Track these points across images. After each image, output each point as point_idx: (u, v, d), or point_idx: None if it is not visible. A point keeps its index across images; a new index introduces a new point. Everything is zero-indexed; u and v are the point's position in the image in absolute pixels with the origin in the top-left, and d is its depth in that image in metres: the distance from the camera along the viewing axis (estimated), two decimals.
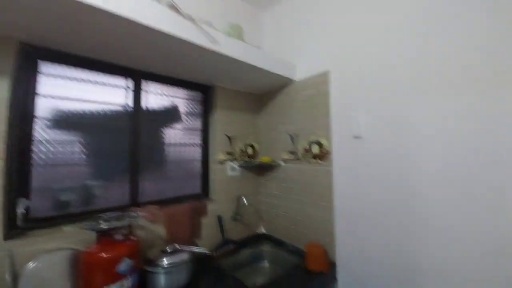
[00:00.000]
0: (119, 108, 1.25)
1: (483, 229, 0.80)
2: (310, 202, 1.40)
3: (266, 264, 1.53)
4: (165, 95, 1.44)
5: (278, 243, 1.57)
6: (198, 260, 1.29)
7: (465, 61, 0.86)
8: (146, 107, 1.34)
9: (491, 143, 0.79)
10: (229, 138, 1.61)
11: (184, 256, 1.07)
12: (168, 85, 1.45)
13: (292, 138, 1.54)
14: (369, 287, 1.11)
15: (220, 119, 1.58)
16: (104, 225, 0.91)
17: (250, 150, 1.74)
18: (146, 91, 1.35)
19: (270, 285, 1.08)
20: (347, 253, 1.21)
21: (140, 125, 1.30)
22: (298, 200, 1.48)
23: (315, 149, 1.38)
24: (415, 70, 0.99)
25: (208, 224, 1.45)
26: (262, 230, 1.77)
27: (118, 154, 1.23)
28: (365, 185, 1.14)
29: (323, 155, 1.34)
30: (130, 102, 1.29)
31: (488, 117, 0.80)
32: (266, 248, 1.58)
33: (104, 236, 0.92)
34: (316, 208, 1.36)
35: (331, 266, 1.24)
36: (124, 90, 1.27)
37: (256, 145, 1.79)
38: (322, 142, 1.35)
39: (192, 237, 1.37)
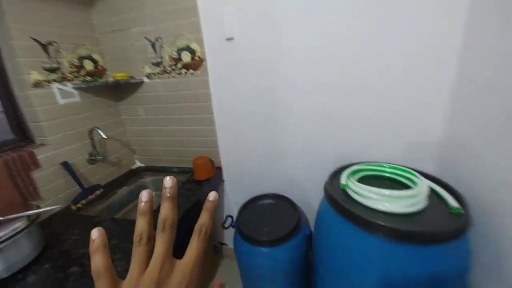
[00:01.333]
0: None
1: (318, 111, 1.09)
2: (189, 118, 1.30)
3: None
4: None
5: (161, 170, 1.43)
6: (51, 221, 0.95)
7: None
8: None
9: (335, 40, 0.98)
10: (42, 45, 0.99)
11: (16, 226, 0.70)
12: None
13: (153, 45, 1.20)
14: (248, 175, 1.33)
15: (9, 10, 0.88)
16: None
17: (89, 65, 1.21)
18: None
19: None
20: (229, 155, 1.33)
21: None
22: (176, 119, 1.32)
23: (186, 57, 1.17)
24: None
25: (48, 177, 1.01)
26: (137, 164, 1.53)
27: None
28: (240, 91, 1.16)
29: (196, 63, 1.17)
30: None
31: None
32: (147, 179, 1.41)
33: None
34: (197, 122, 1.29)
35: (218, 170, 1.33)
36: None
37: (98, 57, 1.26)
38: (193, 48, 1.15)
39: (24, 200, 0.92)
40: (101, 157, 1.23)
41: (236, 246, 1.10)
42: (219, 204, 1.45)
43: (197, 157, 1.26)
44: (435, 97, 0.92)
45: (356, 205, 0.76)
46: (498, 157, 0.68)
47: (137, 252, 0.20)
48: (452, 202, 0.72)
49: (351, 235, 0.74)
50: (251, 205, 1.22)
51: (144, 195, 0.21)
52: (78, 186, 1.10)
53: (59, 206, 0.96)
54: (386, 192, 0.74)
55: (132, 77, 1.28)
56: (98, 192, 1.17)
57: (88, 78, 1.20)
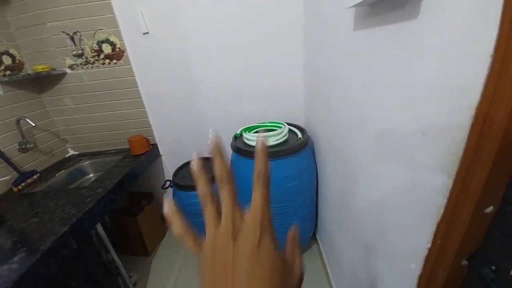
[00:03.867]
0: None
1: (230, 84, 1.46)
2: (119, 104, 1.49)
3: (91, 176, 1.55)
4: None
5: (97, 154, 1.58)
6: None
7: None
8: None
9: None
10: None
11: None
12: None
13: (72, 39, 1.33)
14: (180, 147, 1.62)
15: None
16: None
17: (7, 60, 1.26)
18: None
19: (103, 177, 1.21)
20: (162, 132, 1.59)
21: None
22: (105, 105, 1.49)
23: (107, 48, 1.35)
24: None
25: None
26: (71, 152, 1.62)
27: None
28: (162, 76, 1.43)
29: (118, 54, 1.37)
30: None
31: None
32: (85, 163, 1.54)
33: None
34: (127, 106, 1.49)
35: (154, 146, 1.58)
36: None
37: (15, 52, 1.31)
38: (113, 40, 1.34)
39: None
40: (31, 145, 1.32)
41: (175, 198, 1.41)
42: (158, 174, 1.71)
43: (132, 136, 1.48)
44: (296, 79, 1.40)
45: (250, 147, 1.18)
46: (318, 113, 1.19)
47: (207, 212, 0.22)
48: (299, 134, 1.22)
49: (247, 165, 1.16)
50: (184, 168, 1.53)
51: (194, 164, 0.22)
52: (14, 172, 1.20)
53: (9, 176, 1.09)
54: (264, 134, 1.18)
55: (53, 69, 1.37)
56: (35, 177, 1.28)
57: (8, 72, 1.25)
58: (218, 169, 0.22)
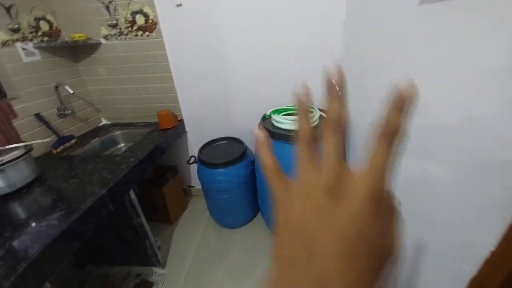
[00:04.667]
0: None
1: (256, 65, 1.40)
2: (149, 77, 1.50)
3: (121, 145, 1.62)
4: None
5: (127, 125, 1.63)
6: (38, 162, 1.14)
7: None
8: None
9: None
10: (4, 7, 1.06)
11: (15, 153, 0.91)
12: None
13: (107, 8, 1.32)
14: (205, 125, 1.63)
15: None
16: None
17: (45, 26, 1.29)
18: None
19: (134, 147, 1.26)
20: (189, 109, 1.60)
21: None
22: (136, 79, 1.51)
23: (140, 20, 1.34)
24: None
25: (26, 126, 1.17)
26: (104, 121, 1.69)
27: None
28: (193, 51, 1.40)
29: (151, 26, 1.35)
30: None
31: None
32: (117, 132, 1.60)
33: None
34: (156, 80, 1.50)
35: (180, 122, 1.60)
36: None
37: (52, 19, 1.33)
38: (146, 12, 1.31)
39: (7, 143, 1.09)
40: (69, 111, 1.39)
41: (199, 174, 1.44)
42: (183, 149, 1.75)
43: (161, 110, 1.50)
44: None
45: (278, 129, 1.15)
46: (353, 101, 1.12)
47: (302, 152, 0.17)
48: None
49: (275, 147, 1.14)
50: (209, 146, 1.55)
51: (300, 94, 0.18)
52: (54, 135, 1.27)
53: (49, 138, 1.16)
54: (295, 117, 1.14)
55: (89, 38, 1.39)
56: (73, 141, 1.36)
57: (46, 38, 1.29)
58: (333, 108, 0.17)
